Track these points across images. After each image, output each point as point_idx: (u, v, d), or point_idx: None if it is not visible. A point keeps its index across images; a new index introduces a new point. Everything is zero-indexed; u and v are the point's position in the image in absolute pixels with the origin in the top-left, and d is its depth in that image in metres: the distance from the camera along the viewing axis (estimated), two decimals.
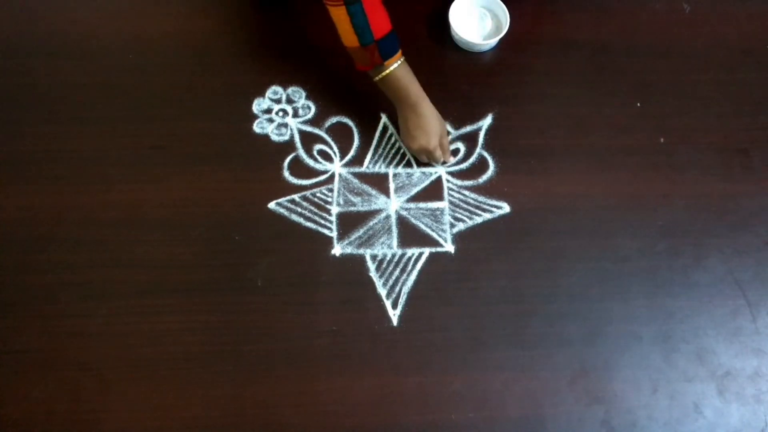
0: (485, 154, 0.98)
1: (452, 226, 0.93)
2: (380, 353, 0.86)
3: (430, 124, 0.90)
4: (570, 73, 1.03)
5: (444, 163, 0.96)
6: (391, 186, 0.96)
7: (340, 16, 0.82)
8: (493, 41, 1.01)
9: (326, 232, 0.92)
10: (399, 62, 0.87)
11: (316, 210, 0.94)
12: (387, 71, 0.86)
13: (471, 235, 0.93)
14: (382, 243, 0.92)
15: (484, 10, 1.03)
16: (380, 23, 0.83)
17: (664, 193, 0.96)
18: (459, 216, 0.94)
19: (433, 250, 0.92)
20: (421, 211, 0.94)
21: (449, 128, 0.99)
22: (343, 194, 0.95)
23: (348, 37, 0.84)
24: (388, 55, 0.85)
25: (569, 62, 1.04)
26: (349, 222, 0.93)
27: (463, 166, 0.97)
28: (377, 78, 0.88)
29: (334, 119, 0.99)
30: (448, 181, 0.96)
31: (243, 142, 0.97)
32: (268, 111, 0.99)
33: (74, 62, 1.01)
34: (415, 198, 0.95)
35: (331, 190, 0.95)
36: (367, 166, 0.97)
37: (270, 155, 0.96)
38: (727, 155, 0.99)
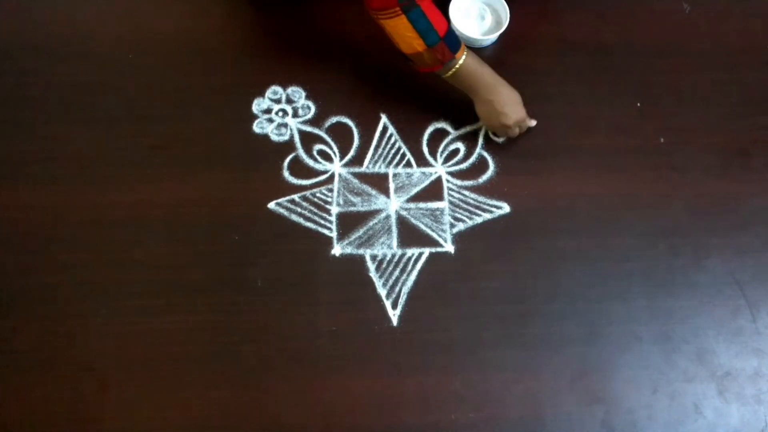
0: (485, 154, 0.98)
1: (452, 226, 0.93)
2: (380, 353, 0.86)
3: (513, 97, 0.91)
4: (570, 73, 1.03)
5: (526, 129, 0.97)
6: (391, 186, 0.96)
7: (399, 26, 0.82)
8: (493, 36, 1.01)
9: (326, 232, 0.92)
10: (466, 51, 0.87)
11: (316, 210, 0.94)
12: (459, 63, 0.87)
13: (471, 235, 0.93)
14: (382, 243, 0.92)
15: (484, 6, 1.03)
16: (440, 20, 0.84)
17: (664, 193, 0.96)
18: (459, 216, 0.94)
19: (433, 250, 0.92)
20: (421, 211, 0.94)
21: (449, 128, 0.99)
22: (343, 194, 0.95)
23: (411, 43, 0.84)
24: (456, 47, 0.86)
25: (569, 62, 1.04)
26: (349, 222, 0.93)
27: (463, 166, 0.97)
28: (449, 74, 0.88)
29: (333, 119, 0.99)
30: (448, 181, 0.96)
31: (243, 142, 0.97)
32: (268, 111, 0.99)
33: (74, 62, 1.01)
34: (415, 198, 0.95)
35: (330, 190, 0.95)
36: (367, 166, 0.97)
37: (270, 155, 0.96)
38: (727, 155, 0.99)
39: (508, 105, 0.91)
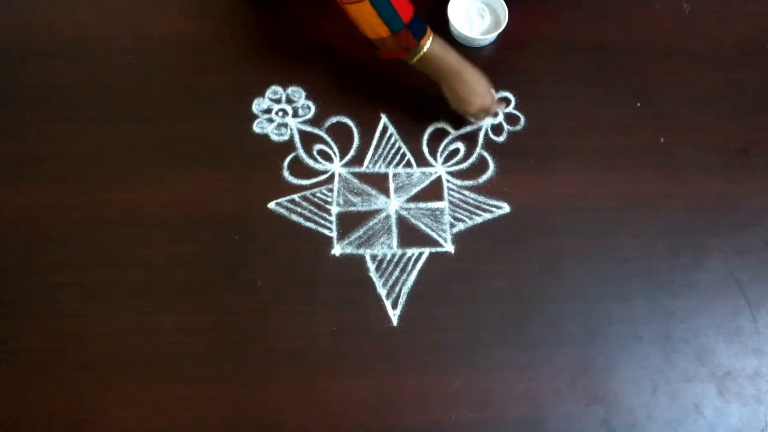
0: (485, 154, 0.98)
1: (452, 226, 0.93)
2: (380, 353, 0.86)
3: (480, 85, 0.91)
4: (570, 73, 1.03)
5: (495, 115, 0.98)
6: (391, 186, 0.96)
7: (363, 12, 0.81)
8: (492, 36, 1.01)
9: (326, 232, 0.92)
10: (432, 37, 0.87)
11: (315, 210, 0.94)
12: (424, 50, 0.86)
13: (471, 235, 0.93)
14: (382, 243, 0.92)
15: (482, 6, 1.03)
16: (405, 6, 0.83)
17: (664, 193, 0.96)
18: (459, 216, 0.94)
19: (433, 250, 0.92)
20: (421, 211, 0.94)
21: (449, 128, 0.99)
22: (343, 194, 0.95)
23: (375, 29, 0.83)
24: (421, 34, 0.85)
25: (569, 62, 1.04)
26: (349, 222, 0.93)
27: (463, 166, 0.97)
28: (414, 60, 0.88)
29: (333, 119, 0.99)
30: (448, 181, 0.96)
31: (243, 142, 0.97)
32: (268, 111, 0.99)
33: (74, 62, 1.01)
34: (415, 198, 0.95)
35: (331, 190, 0.95)
36: (367, 166, 0.97)
37: (270, 155, 0.96)
38: (727, 155, 0.99)
39: (473, 94, 0.91)
